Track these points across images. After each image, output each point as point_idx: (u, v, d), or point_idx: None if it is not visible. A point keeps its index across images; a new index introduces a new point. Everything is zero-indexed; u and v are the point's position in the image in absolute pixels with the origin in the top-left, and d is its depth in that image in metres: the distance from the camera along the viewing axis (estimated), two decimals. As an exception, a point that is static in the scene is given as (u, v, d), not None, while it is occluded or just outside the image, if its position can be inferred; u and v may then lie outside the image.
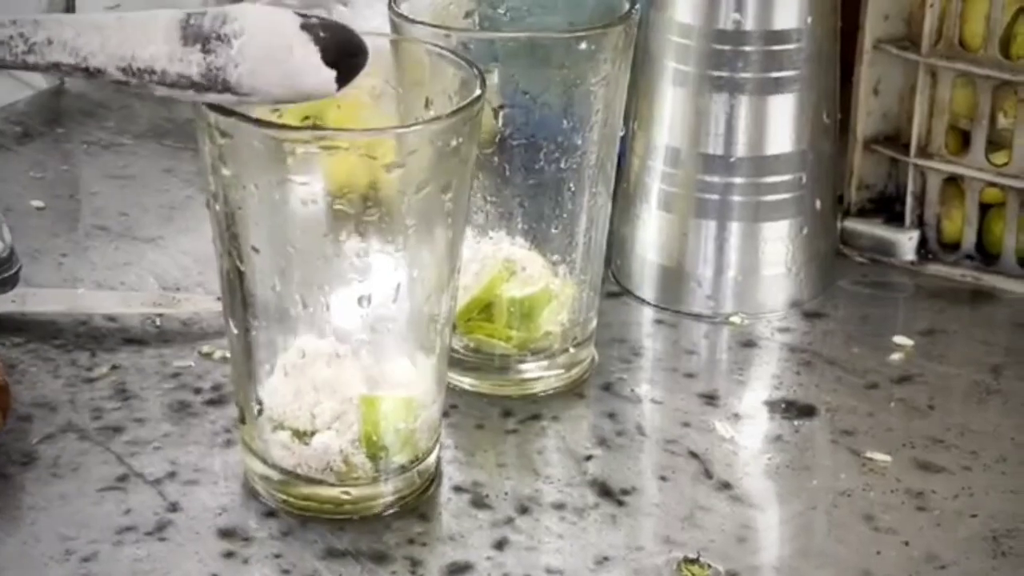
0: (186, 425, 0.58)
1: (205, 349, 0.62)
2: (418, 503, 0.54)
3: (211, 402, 0.59)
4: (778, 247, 0.66)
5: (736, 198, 0.65)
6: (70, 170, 0.77)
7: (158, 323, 0.64)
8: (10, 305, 0.63)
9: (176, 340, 0.63)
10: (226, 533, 0.52)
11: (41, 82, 0.84)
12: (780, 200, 0.65)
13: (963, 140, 0.69)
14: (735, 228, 0.65)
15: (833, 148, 0.67)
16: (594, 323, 0.61)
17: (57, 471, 0.55)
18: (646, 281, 0.67)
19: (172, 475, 0.55)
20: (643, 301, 0.67)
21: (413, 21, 0.56)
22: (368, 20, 0.95)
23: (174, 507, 0.53)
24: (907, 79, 0.69)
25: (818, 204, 0.66)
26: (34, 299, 0.63)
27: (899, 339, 0.64)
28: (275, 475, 0.53)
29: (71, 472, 0.55)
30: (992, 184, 0.67)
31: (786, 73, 0.64)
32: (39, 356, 0.61)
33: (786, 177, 0.65)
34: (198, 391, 0.60)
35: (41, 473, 0.55)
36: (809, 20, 0.63)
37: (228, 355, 0.62)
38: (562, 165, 0.57)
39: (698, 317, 0.66)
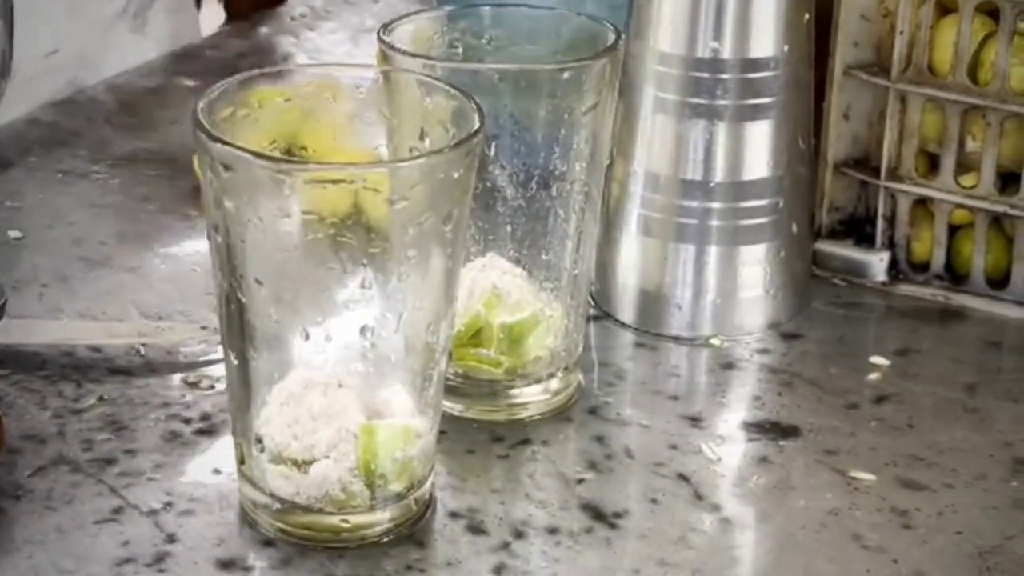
0: (177, 455, 0.58)
1: (191, 378, 0.62)
2: (414, 530, 0.54)
3: (201, 431, 0.59)
4: (756, 270, 0.67)
5: (715, 222, 0.66)
6: (46, 199, 0.76)
7: (143, 353, 0.64)
8: (-6, 337, 0.63)
9: (162, 370, 0.63)
10: (225, 564, 0.52)
11: (14, 111, 0.84)
12: (758, 224, 0.66)
13: (932, 163, 0.70)
14: (714, 252, 0.66)
15: (809, 172, 0.68)
16: (580, 348, 0.62)
17: (51, 504, 0.55)
18: (626, 304, 0.67)
19: (168, 506, 0.55)
20: (623, 324, 0.67)
21: (404, 52, 0.56)
22: (337, 45, 0.96)
23: (171, 538, 0.53)
24: (876, 104, 0.70)
25: (794, 227, 0.67)
26: (18, 330, 0.63)
27: (875, 359, 0.66)
28: (273, 504, 0.53)
29: (65, 505, 0.55)
30: (961, 206, 0.69)
31: (763, 100, 0.65)
32: (25, 388, 0.61)
33: (763, 202, 0.66)
34: (187, 421, 0.60)
35: (35, 506, 0.54)
36: (785, 48, 0.65)
37: (215, 384, 0.62)
38: (551, 193, 0.58)
39: (677, 340, 0.67)
